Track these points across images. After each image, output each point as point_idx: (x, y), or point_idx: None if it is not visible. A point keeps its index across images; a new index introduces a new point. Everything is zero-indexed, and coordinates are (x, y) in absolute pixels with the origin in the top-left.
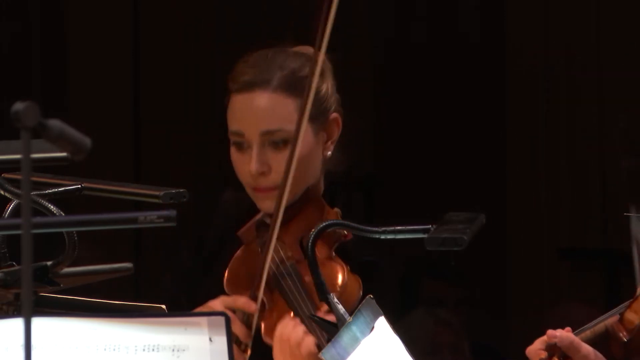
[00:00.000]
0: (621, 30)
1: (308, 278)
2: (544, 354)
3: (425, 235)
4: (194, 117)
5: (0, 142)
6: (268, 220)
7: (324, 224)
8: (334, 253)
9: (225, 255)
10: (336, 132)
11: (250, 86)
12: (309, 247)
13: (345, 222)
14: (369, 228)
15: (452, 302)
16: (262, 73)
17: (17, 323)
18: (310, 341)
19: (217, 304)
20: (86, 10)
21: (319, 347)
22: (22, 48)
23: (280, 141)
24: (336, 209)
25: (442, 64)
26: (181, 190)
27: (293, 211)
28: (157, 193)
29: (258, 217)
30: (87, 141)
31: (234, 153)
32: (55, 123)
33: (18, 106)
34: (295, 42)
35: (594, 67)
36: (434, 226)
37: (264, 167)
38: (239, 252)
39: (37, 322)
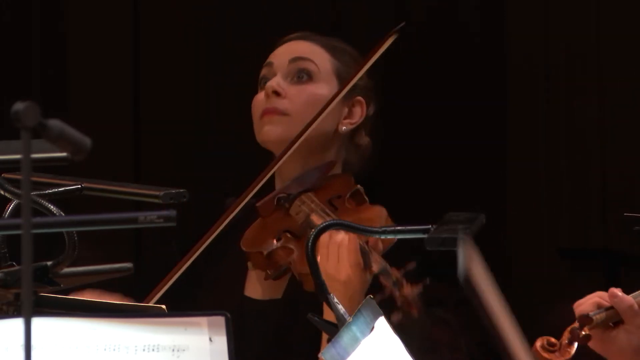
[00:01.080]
0: (622, 33)
1: (342, 217)
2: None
3: (425, 236)
4: (194, 117)
5: (0, 142)
6: (289, 191)
7: (324, 224)
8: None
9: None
10: (358, 115)
11: (293, 38)
12: (309, 246)
13: (346, 222)
14: (370, 228)
15: (452, 302)
16: (307, 34)
17: (17, 323)
18: (353, 238)
19: None
20: (86, 10)
21: (362, 250)
22: (22, 48)
23: (304, 73)
24: (359, 186)
25: (442, 63)
26: (181, 190)
27: (317, 182)
28: (157, 193)
29: (278, 192)
30: (87, 141)
31: (258, 95)
32: (55, 123)
33: (18, 106)
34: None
35: (594, 66)
36: (434, 226)
37: (279, 87)
38: (256, 222)
39: (37, 322)
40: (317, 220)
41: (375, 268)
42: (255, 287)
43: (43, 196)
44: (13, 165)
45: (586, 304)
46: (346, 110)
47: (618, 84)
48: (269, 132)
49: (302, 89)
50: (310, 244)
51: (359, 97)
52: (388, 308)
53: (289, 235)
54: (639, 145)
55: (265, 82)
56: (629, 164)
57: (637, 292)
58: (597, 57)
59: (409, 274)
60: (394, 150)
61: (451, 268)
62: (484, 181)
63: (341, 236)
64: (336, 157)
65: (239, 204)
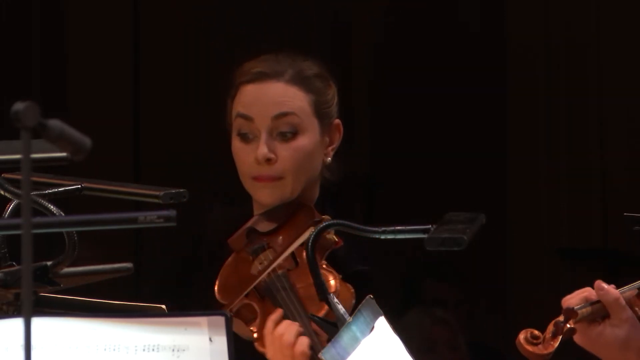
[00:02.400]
0: (622, 32)
1: (299, 285)
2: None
3: (425, 236)
4: (194, 117)
5: (1, 142)
6: (258, 228)
7: (325, 223)
8: (325, 262)
9: (215, 265)
10: (337, 139)
11: (262, 76)
12: (309, 247)
13: (346, 222)
14: (369, 228)
15: (452, 302)
16: (274, 66)
17: (17, 323)
18: (304, 341)
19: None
20: (86, 10)
21: (313, 349)
22: (22, 48)
23: (289, 131)
24: (326, 217)
25: (442, 64)
26: (181, 190)
27: (284, 217)
28: (157, 193)
29: (248, 224)
30: (87, 141)
31: (237, 143)
32: (55, 123)
33: (18, 106)
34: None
35: (594, 66)
36: (434, 226)
37: (271, 154)
38: (229, 259)
39: (37, 322)
40: (274, 293)
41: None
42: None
43: (43, 196)
44: (13, 165)
45: (575, 299)
46: (327, 140)
47: (618, 84)
48: (267, 198)
49: (290, 146)
50: (310, 243)
51: (337, 120)
52: None
53: (255, 292)
54: (639, 144)
55: (246, 137)
56: (629, 163)
57: (625, 287)
58: (597, 58)
59: None
60: (393, 150)
61: (451, 269)
62: (485, 181)
63: (293, 334)
64: (310, 186)
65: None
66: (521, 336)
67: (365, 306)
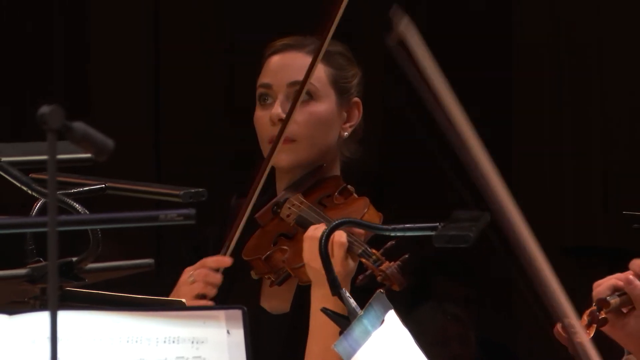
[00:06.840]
0: (624, 35)
1: (329, 213)
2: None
3: (433, 233)
4: (215, 117)
5: (28, 143)
6: (283, 199)
7: (336, 222)
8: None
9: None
10: (356, 117)
11: (286, 47)
12: (322, 243)
13: (356, 220)
14: (379, 226)
15: (461, 300)
16: (299, 40)
17: (44, 316)
18: (341, 233)
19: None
20: (108, 14)
21: (350, 243)
22: (45, 51)
23: (304, 95)
24: (349, 185)
25: (448, 62)
26: (200, 189)
27: (309, 183)
28: (177, 192)
29: (274, 200)
30: (109, 142)
31: (257, 111)
32: (79, 125)
33: (44, 109)
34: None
35: (596, 70)
36: (442, 224)
37: (283, 114)
38: (256, 233)
39: (63, 316)
40: (307, 217)
41: (356, 250)
42: (267, 301)
43: (68, 195)
44: (39, 166)
45: (604, 285)
46: (345, 115)
47: (622, 84)
48: (279, 160)
49: (304, 111)
50: (323, 240)
51: (355, 98)
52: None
53: (283, 238)
54: None
55: (265, 100)
56: (633, 161)
57: None
58: (599, 60)
59: (388, 252)
60: (402, 149)
61: (460, 265)
62: None
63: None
64: (330, 160)
65: (248, 205)
66: (559, 326)
67: (375, 300)
